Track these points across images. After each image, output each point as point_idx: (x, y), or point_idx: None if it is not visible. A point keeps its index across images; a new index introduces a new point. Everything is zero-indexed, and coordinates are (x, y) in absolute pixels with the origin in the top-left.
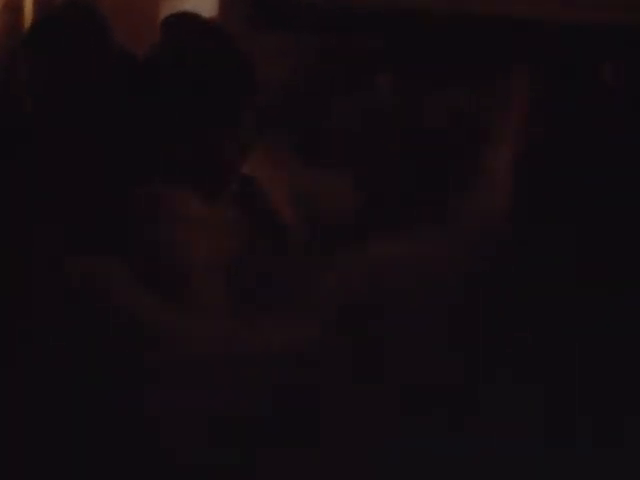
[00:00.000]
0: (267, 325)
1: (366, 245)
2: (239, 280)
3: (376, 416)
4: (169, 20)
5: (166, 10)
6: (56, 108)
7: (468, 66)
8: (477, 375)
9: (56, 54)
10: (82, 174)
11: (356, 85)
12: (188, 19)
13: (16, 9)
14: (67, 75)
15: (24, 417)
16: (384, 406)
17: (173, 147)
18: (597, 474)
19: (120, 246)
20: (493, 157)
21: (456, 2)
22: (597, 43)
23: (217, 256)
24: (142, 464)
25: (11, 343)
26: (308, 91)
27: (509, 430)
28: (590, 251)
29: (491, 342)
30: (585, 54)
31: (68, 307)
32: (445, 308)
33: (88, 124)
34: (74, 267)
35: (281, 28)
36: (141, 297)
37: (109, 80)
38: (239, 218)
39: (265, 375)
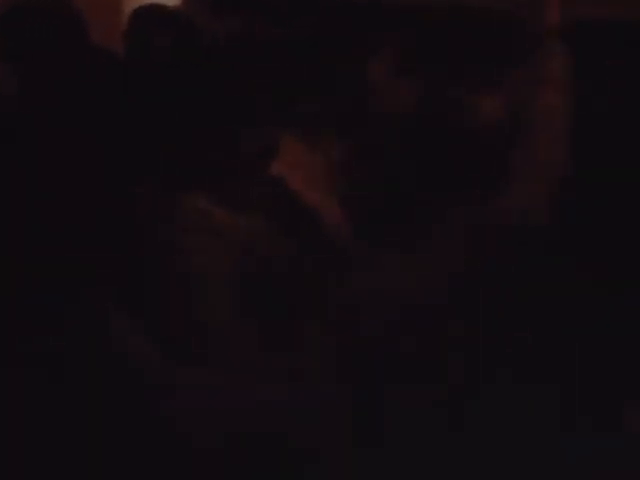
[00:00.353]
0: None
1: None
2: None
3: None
4: (138, 12)
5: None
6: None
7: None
8: (477, 375)
9: (29, 45)
10: (80, 174)
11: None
12: (156, 11)
13: None
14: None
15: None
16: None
17: (170, 147)
18: (596, 473)
19: (120, 247)
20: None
21: None
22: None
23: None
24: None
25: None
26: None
27: (509, 429)
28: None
29: (491, 342)
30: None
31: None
32: (446, 309)
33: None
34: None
35: (244, 15)
36: (141, 344)
37: (83, 72)
38: (264, 221)
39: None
